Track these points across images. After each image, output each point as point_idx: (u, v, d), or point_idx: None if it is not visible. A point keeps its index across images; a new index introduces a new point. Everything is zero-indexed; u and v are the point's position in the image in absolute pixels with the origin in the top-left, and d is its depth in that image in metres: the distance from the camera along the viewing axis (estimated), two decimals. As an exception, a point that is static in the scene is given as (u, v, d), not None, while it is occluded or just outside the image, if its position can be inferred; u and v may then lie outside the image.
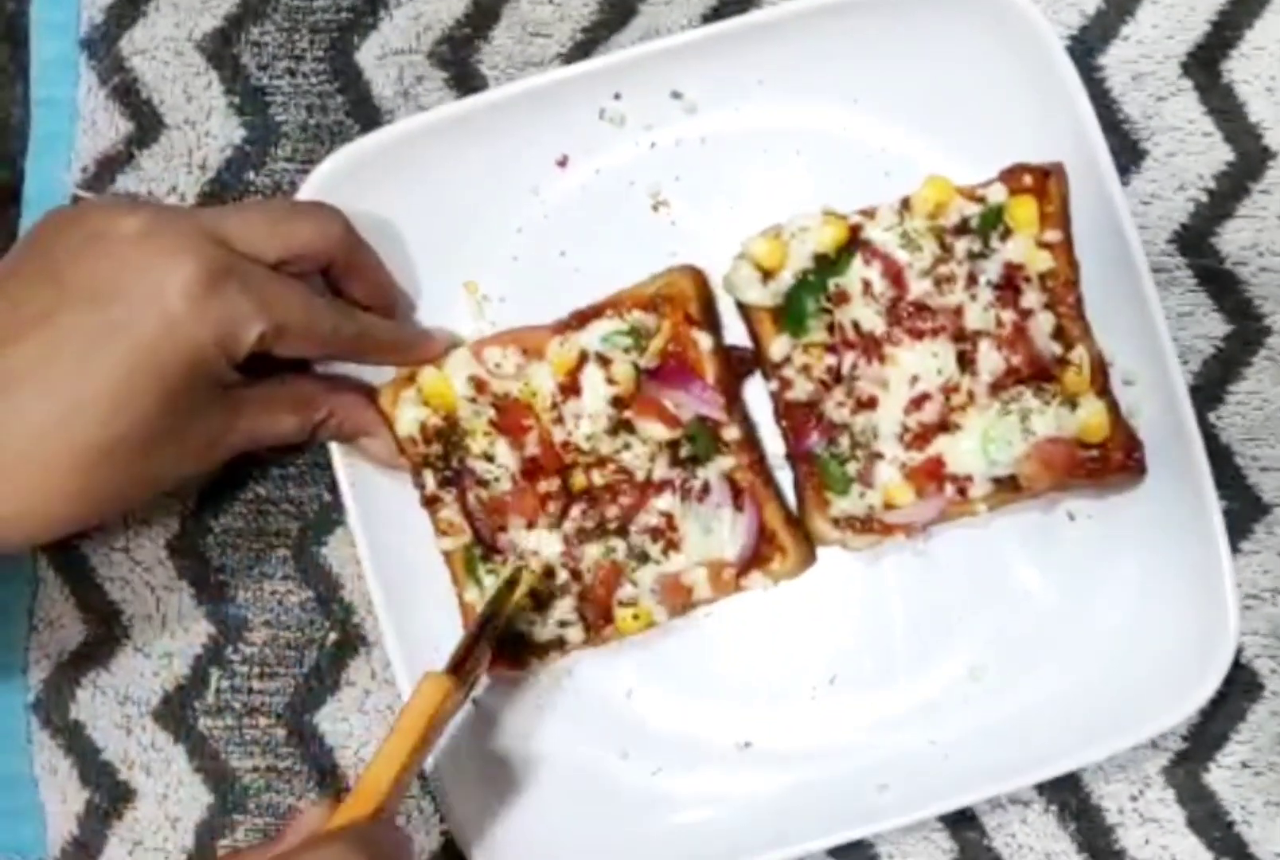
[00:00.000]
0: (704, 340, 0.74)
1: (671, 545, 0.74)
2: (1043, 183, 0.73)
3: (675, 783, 0.77)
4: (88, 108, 0.82)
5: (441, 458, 0.75)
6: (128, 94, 0.81)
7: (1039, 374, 0.73)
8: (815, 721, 0.77)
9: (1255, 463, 0.77)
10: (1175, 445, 0.73)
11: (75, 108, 0.82)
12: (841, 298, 0.73)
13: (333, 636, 0.80)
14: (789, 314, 0.74)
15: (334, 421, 0.74)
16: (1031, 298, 0.73)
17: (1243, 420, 0.77)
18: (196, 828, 0.80)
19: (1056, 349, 0.73)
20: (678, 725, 0.77)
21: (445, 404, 0.74)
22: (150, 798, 0.81)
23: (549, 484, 0.74)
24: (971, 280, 0.73)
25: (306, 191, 0.75)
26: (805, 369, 0.74)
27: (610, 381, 0.73)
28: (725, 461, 0.74)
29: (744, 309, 0.75)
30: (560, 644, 0.75)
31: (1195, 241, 0.78)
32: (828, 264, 0.73)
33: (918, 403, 0.73)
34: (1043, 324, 0.73)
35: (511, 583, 0.74)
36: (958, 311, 0.73)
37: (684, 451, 0.74)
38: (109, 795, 0.81)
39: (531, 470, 0.74)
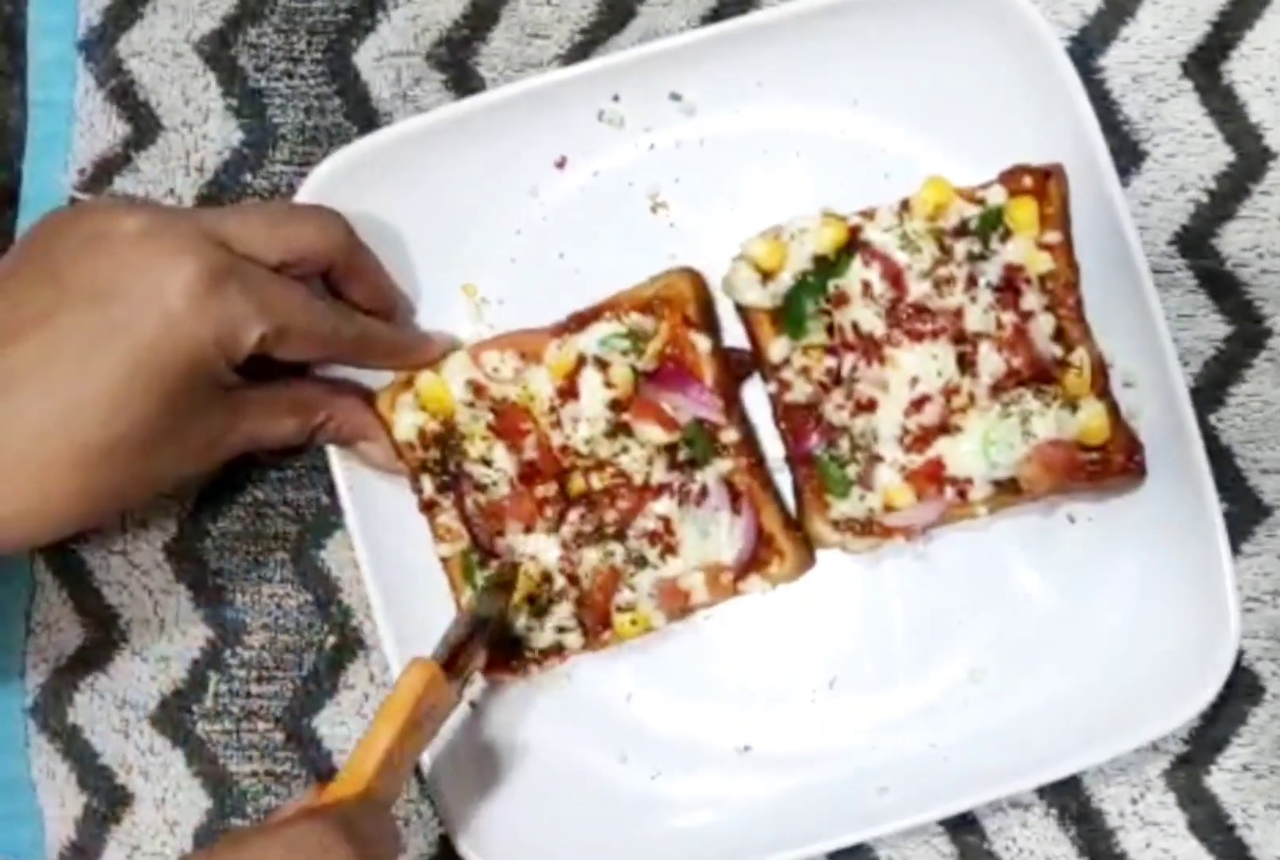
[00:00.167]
0: (702, 342, 0.74)
1: (669, 549, 0.74)
2: (1043, 184, 0.73)
3: (674, 786, 0.77)
4: (85, 110, 0.82)
5: (439, 463, 0.75)
6: (125, 96, 0.81)
7: (1039, 376, 0.73)
8: (815, 725, 0.77)
9: (1256, 465, 0.77)
10: (1175, 447, 0.73)
11: (73, 109, 0.82)
12: (841, 299, 0.73)
13: (331, 640, 0.80)
14: (788, 316, 0.73)
15: (333, 425, 0.74)
16: (1031, 299, 0.73)
17: (1243, 422, 0.77)
18: (195, 832, 0.80)
19: (1057, 351, 0.73)
20: (677, 729, 0.77)
21: (443, 409, 0.74)
22: (148, 802, 0.80)
23: (546, 488, 0.74)
24: (971, 282, 0.73)
25: (304, 193, 0.75)
26: (804, 371, 0.73)
27: (608, 385, 0.73)
28: (723, 464, 0.74)
29: (743, 311, 0.75)
30: (559, 650, 0.75)
31: (1196, 243, 0.77)
32: (827, 265, 0.73)
33: (918, 405, 0.72)
34: (1043, 326, 0.73)
35: (507, 582, 0.74)
36: (958, 313, 0.72)
37: (682, 455, 0.74)
38: (107, 799, 0.81)
39: (529, 474, 0.74)
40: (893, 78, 0.76)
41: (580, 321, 0.74)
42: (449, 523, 0.75)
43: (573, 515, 0.74)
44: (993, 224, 0.73)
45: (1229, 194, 0.77)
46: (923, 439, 0.73)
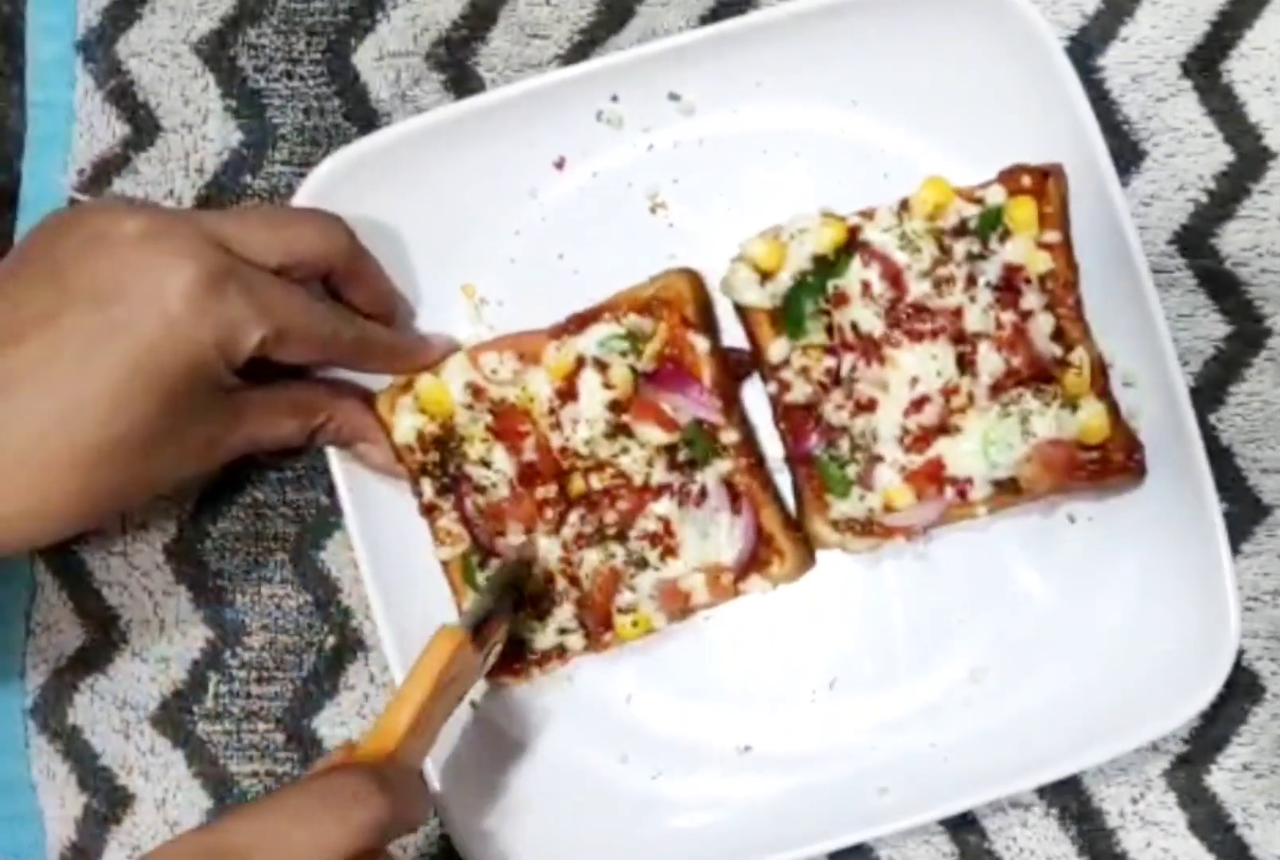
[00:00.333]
0: (701, 343, 0.74)
1: (669, 551, 0.74)
2: (1041, 183, 0.73)
3: (675, 787, 0.77)
4: (84, 110, 0.82)
5: (439, 465, 0.75)
6: (124, 96, 0.81)
7: (1039, 376, 0.73)
8: (815, 725, 0.77)
9: (1256, 464, 0.77)
10: (1175, 447, 0.73)
11: (71, 110, 0.82)
12: (840, 299, 0.73)
13: (331, 640, 0.80)
14: (787, 316, 0.73)
15: (332, 426, 0.74)
16: (1031, 299, 0.73)
17: (1243, 421, 0.77)
18: (195, 832, 0.80)
19: (1056, 350, 0.73)
20: (677, 729, 0.77)
21: (442, 411, 0.74)
22: (149, 802, 0.80)
23: (546, 490, 0.74)
24: (971, 282, 0.72)
25: (304, 194, 0.75)
26: (804, 371, 0.73)
27: (607, 386, 0.73)
28: (723, 465, 0.74)
29: (742, 311, 0.75)
30: (561, 652, 0.75)
31: (1195, 242, 0.77)
32: (826, 265, 0.73)
33: (917, 405, 0.72)
34: (1042, 325, 0.73)
35: (529, 561, 0.74)
36: (957, 313, 0.72)
37: (682, 455, 0.74)
38: (107, 800, 0.81)
39: (529, 476, 0.74)
40: (892, 78, 0.76)
41: (579, 323, 0.74)
42: (449, 526, 0.75)
43: (573, 517, 0.74)
44: (992, 224, 0.73)
45: (1228, 194, 0.77)
46: (922, 439, 0.73)
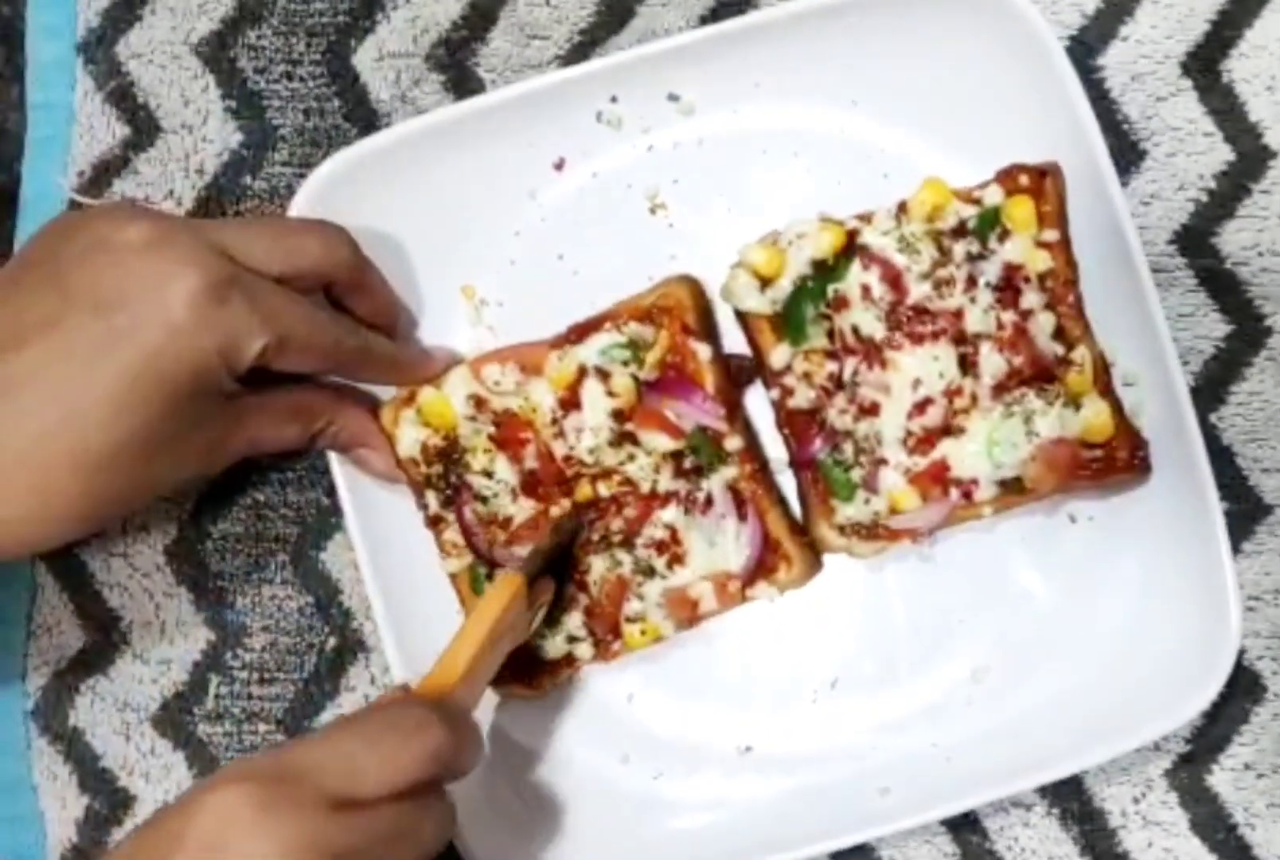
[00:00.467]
0: (702, 350, 0.74)
1: (676, 559, 0.74)
2: (1039, 182, 0.73)
3: (676, 787, 0.77)
4: (84, 112, 0.81)
5: (443, 477, 0.75)
6: (124, 98, 0.81)
7: (1041, 375, 0.73)
8: (817, 725, 0.77)
9: (1257, 464, 0.77)
10: (1176, 446, 0.73)
11: (71, 112, 0.82)
12: (841, 303, 0.73)
13: (332, 642, 0.80)
14: (788, 321, 0.73)
15: (333, 430, 0.74)
16: (1031, 298, 0.73)
17: (1244, 421, 0.77)
18: (197, 833, 0.80)
19: (1058, 349, 0.73)
20: (679, 729, 0.77)
21: (445, 423, 0.74)
22: (150, 804, 0.80)
23: (553, 499, 0.74)
24: (971, 282, 0.72)
25: (304, 195, 0.75)
26: (806, 376, 0.73)
27: (610, 394, 0.73)
28: (728, 471, 0.74)
29: (742, 317, 0.75)
30: (570, 661, 0.75)
31: (1196, 242, 0.77)
32: (826, 270, 0.73)
33: (920, 407, 0.72)
34: (1043, 324, 0.73)
35: (575, 529, 0.74)
36: (958, 314, 0.72)
37: (688, 462, 0.74)
38: (108, 802, 0.81)
39: (531, 484, 0.74)
40: (891, 78, 0.76)
41: (579, 332, 0.74)
42: (455, 538, 0.75)
43: (580, 524, 0.75)
44: (990, 224, 0.73)
45: (1229, 193, 0.78)
46: (926, 441, 0.73)
